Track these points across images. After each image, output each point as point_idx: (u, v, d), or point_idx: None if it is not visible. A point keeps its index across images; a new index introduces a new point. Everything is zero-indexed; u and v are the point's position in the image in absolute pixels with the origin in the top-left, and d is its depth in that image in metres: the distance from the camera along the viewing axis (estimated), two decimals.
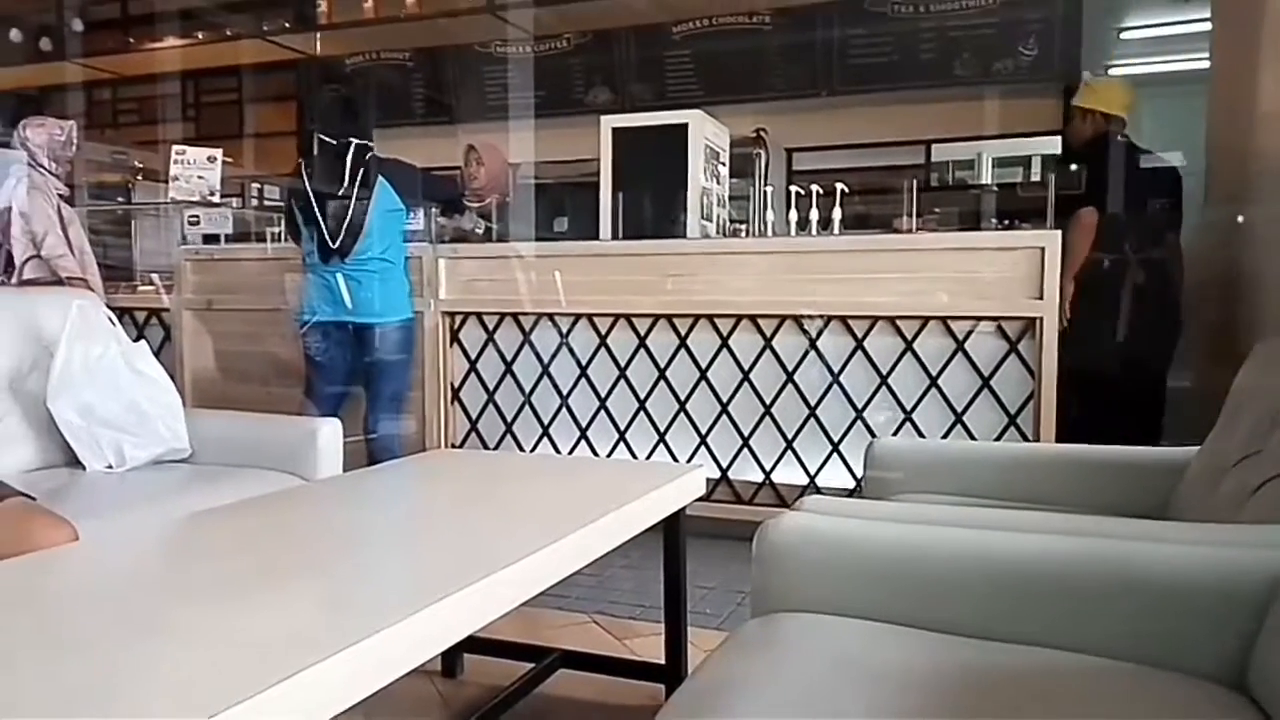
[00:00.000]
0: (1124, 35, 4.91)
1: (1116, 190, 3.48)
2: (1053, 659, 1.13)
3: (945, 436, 2.98)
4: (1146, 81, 4.38)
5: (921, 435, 2.99)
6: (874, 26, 4.73)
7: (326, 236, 3.13)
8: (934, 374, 3.00)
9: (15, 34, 6.11)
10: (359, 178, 3.14)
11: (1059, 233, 2.90)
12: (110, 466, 2.28)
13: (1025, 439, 2.88)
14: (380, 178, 3.19)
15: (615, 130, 3.50)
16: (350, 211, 3.12)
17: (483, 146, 3.73)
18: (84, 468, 2.27)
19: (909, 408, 3.03)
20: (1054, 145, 4.38)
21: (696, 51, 5.07)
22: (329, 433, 2.35)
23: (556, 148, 4.72)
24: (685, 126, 3.41)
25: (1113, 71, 4.63)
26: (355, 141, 3.15)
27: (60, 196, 3.56)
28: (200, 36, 5.76)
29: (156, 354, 2.52)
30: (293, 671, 0.89)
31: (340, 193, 3.12)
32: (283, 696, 0.87)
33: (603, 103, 5.16)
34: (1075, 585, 1.18)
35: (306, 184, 3.15)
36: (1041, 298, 2.85)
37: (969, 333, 2.97)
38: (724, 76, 4.96)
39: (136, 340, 2.49)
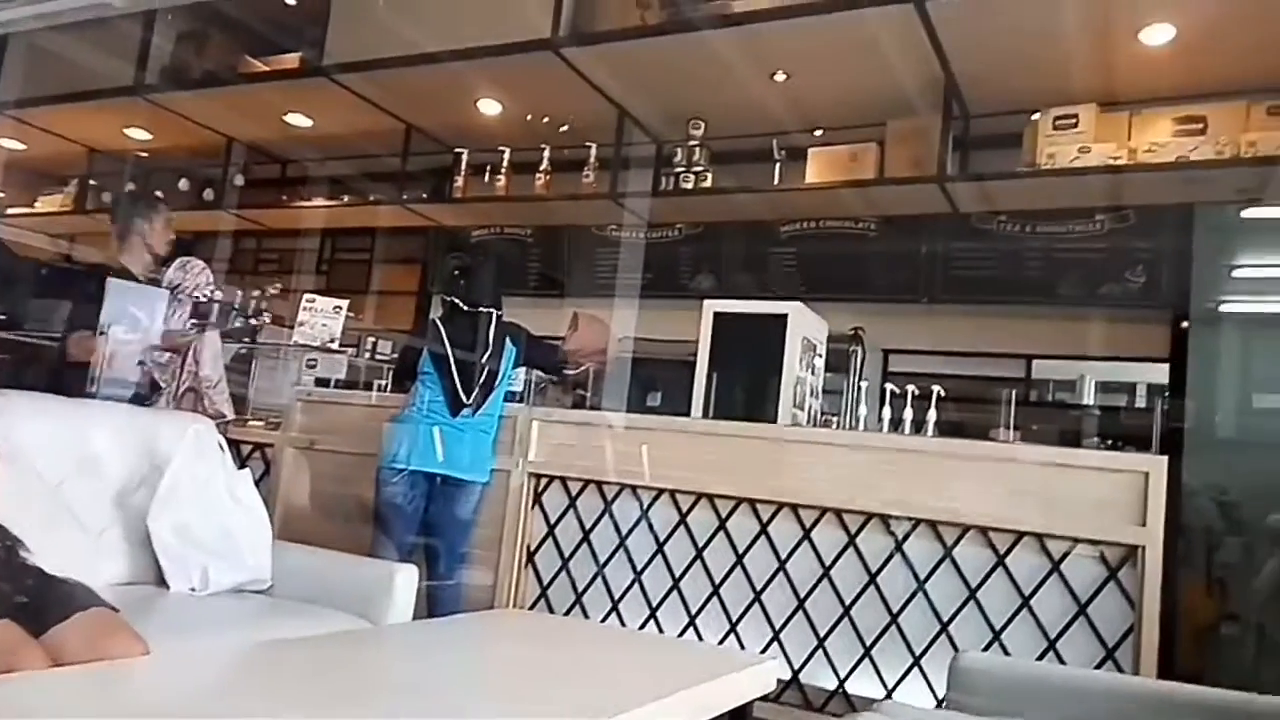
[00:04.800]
0: (1235, 273, 4.87)
1: None
2: None
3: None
4: (1259, 322, 4.30)
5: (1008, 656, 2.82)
6: (979, 241, 4.82)
7: (460, 392, 3.31)
8: (1027, 594, 2.86)
9: (184, 183, 6.78)
10: (492, 341, 3.38)
11: (1165, 459, 2.79)
12: (193, 589, 2.33)
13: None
14: (507, 340, 3.42)
15: (717, 314, 3.61)
16: (486, 371, 3.35)
17: (584, 316, 3.89)
18: (169, 587, 2.33)
19: (998, 627, 2.88)
20: (1161, 373, 4.31)
21: (801, 249, 5.25)
22: (404, 579, 2.37)
23: (657, 326, 4.86)
24: (785, 317, 3.50)
25: (1223, 309, 4.57)
26: (491, 308, 3.42)
27: None
28: (345, 200, 6.26)
29: (256, 484, 2.61)
30: None
31: (481, 354, 3.36)
32: None
33: (706, 288, 5.34)
34: None
35: (446, 343, 3.35)
36: (1145, 525, 2.72)
37: (1065, 554, 2.84)
38: (826, 274, 5.10)
39: (240, 469, 2.60)
